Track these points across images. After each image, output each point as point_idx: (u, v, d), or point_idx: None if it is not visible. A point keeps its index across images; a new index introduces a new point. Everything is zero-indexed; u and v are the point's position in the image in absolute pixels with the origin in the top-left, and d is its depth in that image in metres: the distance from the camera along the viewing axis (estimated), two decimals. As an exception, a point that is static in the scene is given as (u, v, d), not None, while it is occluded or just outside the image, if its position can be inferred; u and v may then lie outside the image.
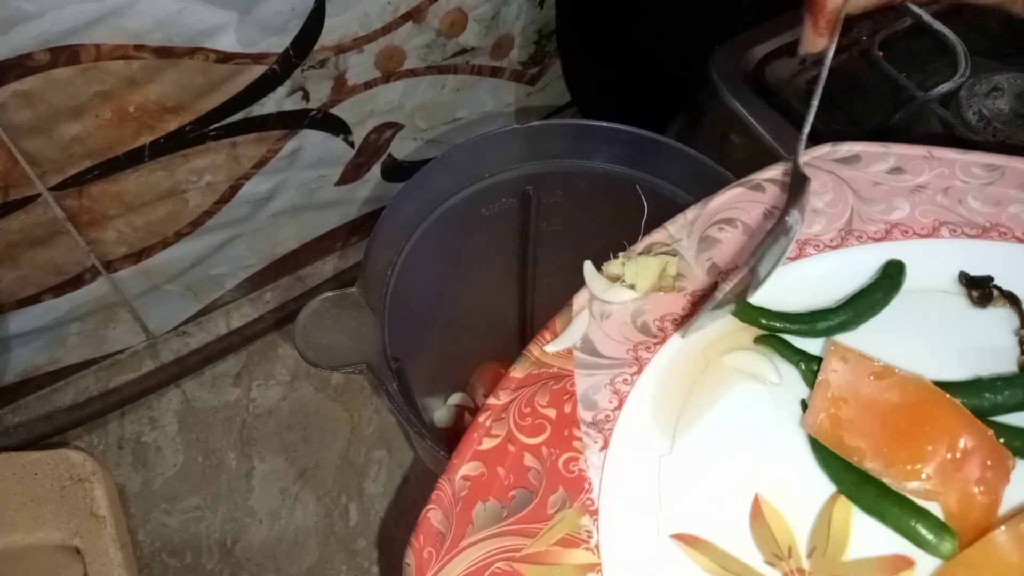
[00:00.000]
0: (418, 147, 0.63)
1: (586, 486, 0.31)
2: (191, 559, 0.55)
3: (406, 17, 0.52)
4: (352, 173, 0.61)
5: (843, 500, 0.31)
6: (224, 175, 0.54)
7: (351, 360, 0.41)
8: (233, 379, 0.62)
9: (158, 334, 0.63)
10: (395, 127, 0.60)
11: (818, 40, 0.40)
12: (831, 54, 0.39)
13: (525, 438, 0.32)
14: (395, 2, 0.51)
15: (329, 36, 0.50)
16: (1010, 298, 0.35)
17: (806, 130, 0.38)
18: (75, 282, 0.54)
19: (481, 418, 0.33)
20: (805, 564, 0.30)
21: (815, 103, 0.38)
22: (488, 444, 0.32)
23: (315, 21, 0.48)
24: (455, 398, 0.60)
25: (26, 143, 0.44)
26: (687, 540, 0.31)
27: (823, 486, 0.32)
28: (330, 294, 0.43)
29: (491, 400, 0.33)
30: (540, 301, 0.59)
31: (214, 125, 0.50)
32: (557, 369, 0.34)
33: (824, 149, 0.39)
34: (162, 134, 0.48)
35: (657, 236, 0.38)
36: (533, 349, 0.35)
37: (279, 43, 0.48)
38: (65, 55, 0.42)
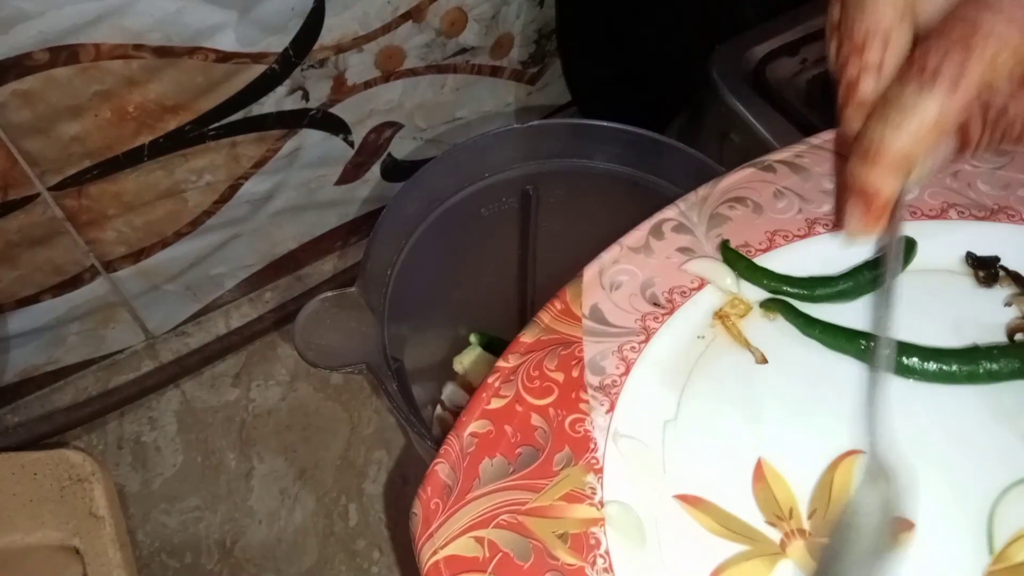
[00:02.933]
0: (418, 147, 0.63)
1: (591, 446, 0.32)
2: (190, 559, 0.55)
3: (406, 16, 0.52)
4: (352, 173, 0.61)
5: (845, 464, 0.32)
6: (223, 175, 0.54)
7: (350, 360, 0.41)
8: (232, 379, 0.62)
9: (157, 334, 0.63)
10: (395, 127, 0.60)
11: (868, 228, 0.32)
12: (896, 244, 0.32)
13: (533, 399, 0.33)
14: (395, 1, 0.50)
15: (329, 35, 0.49)
16: (1016, 278, 0.36)
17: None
18: (74, 282, 0.54)
19: (490, 379, 0.34)
20: (806, 524, 0.31)
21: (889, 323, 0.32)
22: (496, 404, 0.33)
23: (315, 20, 0.48)
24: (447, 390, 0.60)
25: (25, 143, 0.44)
26: (689, 500, 0.31)
27: (826, 450, 0.32)
28: (330, 294, 0.43)
29: (500, 363, 0.34)
30: (540, 301, 0.59)
31: (213, 125, 0.50)
32: (566, 335, 0.35)
33: (836, 132, 0.40)
34: (161, 134, 0.48)
35: (668, 212, 0.38)
36: (543, 316, 0.36)
37: (279, 42, 0.48)
38: (64, 55, 0.42)
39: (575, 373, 0.34)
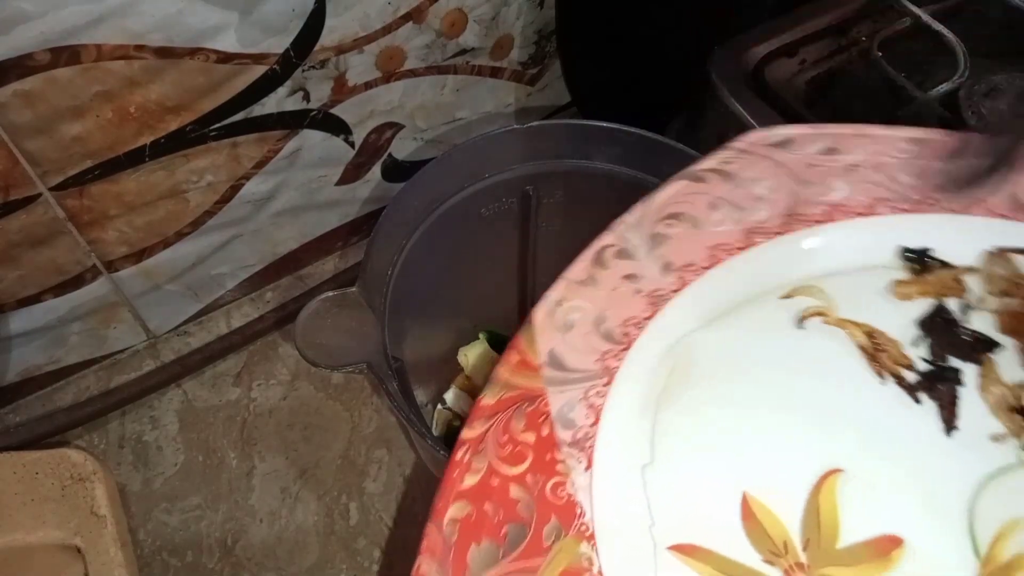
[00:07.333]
0: (418, 147, 0.63)
1: (578, 511, 0.30)
2: (192, 558, 0.55)
3: (406, 17, 0.52)
4: (352, 173, 0.61)
5: (827, 486, 0.31)
6: (225, 175, 0.54)
7: (351, 360, 0.41)
8: (234, 378, 0.62)
9: (159, 334, 0.63)
10: (395, 127, 0.60)
11: None
12: None
13: (507, 468, 0.31)
14: (395, 2, 0.51)
15: (329, 36, 0.50)
16: (944, 266, 0.36)
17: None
18: (76, 282, 0.54)
19: (458, 455, 0.31)
20: (802, 557, 0.30)
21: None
22: (470, 481, 0.30)
23: (315, 21, 0.48)
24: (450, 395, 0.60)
25: (27, 143, 0.44)
26: (685, 550, 0.30)
27: (806, 472, 0.31)
28: (330, 294, 0.43)
29: (466, 433, 0.31)
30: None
31: (215, 125, 0.50)
32: (527, 389, 0.32)
33: (760, 134, 0.39)
34: (163, 134, 0.48)
35: (607, 238, 0.36)
36: (501, 372, 0.32)
37: (279, 43, 0.48)
38: (66, 55, 0.42)
39: (545, 431, 0.31)
